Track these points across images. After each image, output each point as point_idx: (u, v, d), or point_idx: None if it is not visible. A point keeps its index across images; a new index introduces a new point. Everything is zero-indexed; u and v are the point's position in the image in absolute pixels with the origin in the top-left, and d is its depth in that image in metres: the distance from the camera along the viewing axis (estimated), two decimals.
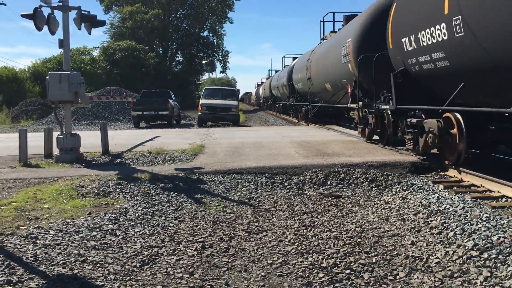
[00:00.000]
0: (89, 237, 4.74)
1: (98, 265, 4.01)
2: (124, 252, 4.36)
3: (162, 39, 57.93)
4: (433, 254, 4.29)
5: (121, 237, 4.81)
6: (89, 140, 11.93)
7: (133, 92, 32.04)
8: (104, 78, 43.28)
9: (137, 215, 5.61)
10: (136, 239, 4.77)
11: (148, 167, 8.34)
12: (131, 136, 14.39)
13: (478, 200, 5.73)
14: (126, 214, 5.64)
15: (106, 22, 13.09)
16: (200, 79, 70.92)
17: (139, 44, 47.89)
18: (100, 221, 5.27)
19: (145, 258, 4.19)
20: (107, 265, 4.01)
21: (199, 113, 22.69)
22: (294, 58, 30.46)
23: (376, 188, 7.05)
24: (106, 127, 10.52)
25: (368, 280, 3.75)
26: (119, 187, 6.95)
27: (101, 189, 6.77)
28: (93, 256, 4.20)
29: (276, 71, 43.24)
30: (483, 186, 6.43)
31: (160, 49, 59.15)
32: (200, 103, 23.08)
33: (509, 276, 3.63)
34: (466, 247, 4.29)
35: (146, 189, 6.88)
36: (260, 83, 63.89)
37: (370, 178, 7.36)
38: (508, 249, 4.05)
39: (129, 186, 6.97)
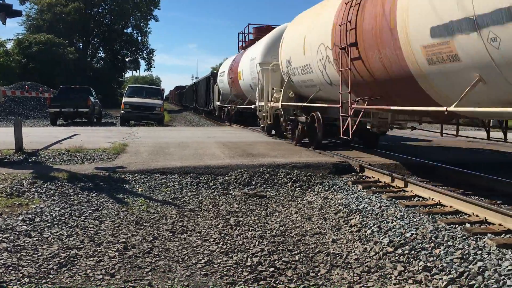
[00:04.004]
0: (0, 238, 4.45)
1: (11, 268, 3.77)
2: (40, 254, 4.13)
3: (82, 34, 55.59)
4: (352, 251, 4.47)
5: (36, 238, 4.55)
6: (1, 137, 11.17)
7: (50, 87, 30.46)
8: (19, 72, 40.70)
9: (54, 215, 5.33)
10: (52, 240, 4.53)
11: (66, 166, 7.95)
12: (48, 134, 13.65)
13: (393, 199, 6.05)
14: (42, 214, 5.34)
15: (22, 13, 12.35)
16: (123, 77, 68.88)
17: (57, 38, 45.59)
18: (13, 222, 4.96)
19: (62, 260, 3.99)
20: (20, 267, 3.78)
21: (122, 111, 22.03)
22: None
23: (299, 188, 7.22)
24: (20, 123, 9.89)
25: (291, 277, 3.83)
26: (34, 186, 6.57)
27: (14, 189, 6.37)
28: (5, 259, 3.94)
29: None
30: (398, 187, 6.81)
31: (81, 44, 56.71)
32: (123, 101, 22.41)
33: (420, 270, 3.87)
34: (383, 244, 4.51)
35: (64, 188, 6.56)
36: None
37: (293, 178, 7.52)
38: (419, 245, 4.31)
39: (45, 186, 6.61)
